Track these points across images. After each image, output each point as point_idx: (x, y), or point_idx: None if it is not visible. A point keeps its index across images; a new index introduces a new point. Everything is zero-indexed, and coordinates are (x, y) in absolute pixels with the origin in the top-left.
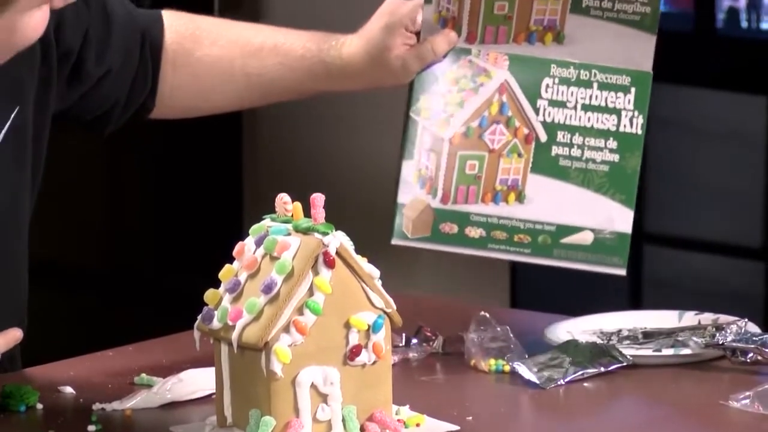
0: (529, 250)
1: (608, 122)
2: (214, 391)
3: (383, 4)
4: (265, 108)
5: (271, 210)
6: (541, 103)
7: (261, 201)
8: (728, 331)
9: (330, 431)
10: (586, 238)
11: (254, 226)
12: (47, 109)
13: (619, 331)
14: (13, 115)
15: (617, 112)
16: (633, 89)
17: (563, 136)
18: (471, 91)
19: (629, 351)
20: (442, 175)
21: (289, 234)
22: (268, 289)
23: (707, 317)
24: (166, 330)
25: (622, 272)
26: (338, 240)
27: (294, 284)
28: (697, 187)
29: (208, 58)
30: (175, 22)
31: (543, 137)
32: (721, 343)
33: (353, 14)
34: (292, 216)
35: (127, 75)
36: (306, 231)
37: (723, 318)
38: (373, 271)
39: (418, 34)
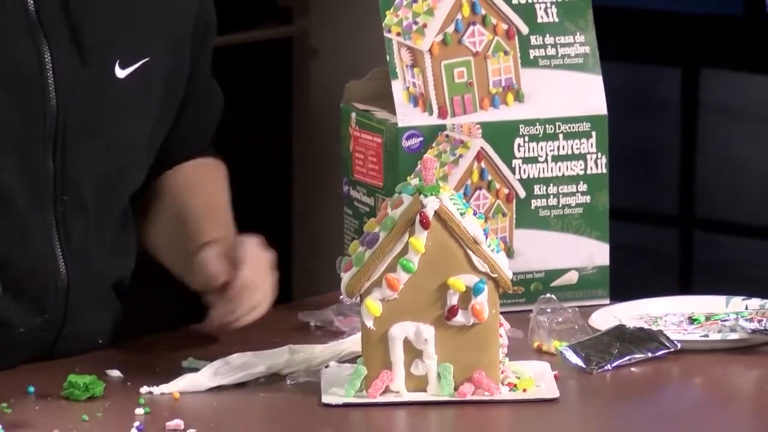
0: (523, 299)
1: (576, 168)
2: (262, 374)
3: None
4: (316, 91)
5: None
6: (516, 163)
7: (309, 184)
8: None
9: (425, 386)
10: (572, 278)
11: (400, 184)
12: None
13: (666, 315)
14: (143, 62)
15: (583, 157)
16: (594, 133)
17: (539, 189)
18: (452, 164)
19: (677, 336)
20: None
21: (414, 193)
22: (371, 243)
23: (755, 302)
24: None
25: (606, 301)
26: (437, 202)
27: (391, 241)
28: (746, 173)
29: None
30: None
31: (522, 194)
32: None
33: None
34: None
35: None
36: (416, 192)
37: None
38: (479, 236)
39: None
